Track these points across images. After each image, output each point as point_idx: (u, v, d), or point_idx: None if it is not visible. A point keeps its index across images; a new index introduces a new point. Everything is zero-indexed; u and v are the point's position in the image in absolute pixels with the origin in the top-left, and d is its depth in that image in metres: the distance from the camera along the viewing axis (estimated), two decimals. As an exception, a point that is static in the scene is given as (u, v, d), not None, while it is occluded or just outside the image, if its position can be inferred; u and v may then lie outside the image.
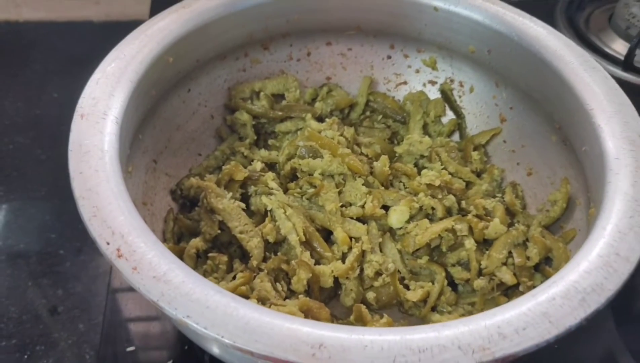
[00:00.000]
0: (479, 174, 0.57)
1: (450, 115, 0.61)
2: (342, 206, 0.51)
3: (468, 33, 0.50)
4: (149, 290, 0.33)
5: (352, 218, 0.51)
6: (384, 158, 0.54)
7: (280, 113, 0.58)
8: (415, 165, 0.57)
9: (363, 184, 0.52)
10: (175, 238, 0.50)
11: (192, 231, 0.50)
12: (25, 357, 0.50)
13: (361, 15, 0.58)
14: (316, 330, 0.32)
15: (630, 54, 0.73)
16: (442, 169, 0.55)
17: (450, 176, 0.54)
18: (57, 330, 0.52)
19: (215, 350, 0.40)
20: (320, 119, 0.59)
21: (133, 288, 0.34)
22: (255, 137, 0.58)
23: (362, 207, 0.51)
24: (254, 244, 0.47)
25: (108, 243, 0.35)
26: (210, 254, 0.48)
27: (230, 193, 0.50)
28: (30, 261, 0.56)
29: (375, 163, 0.54)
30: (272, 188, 0.51)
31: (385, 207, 0.52)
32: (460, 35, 0.49)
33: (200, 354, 0.49)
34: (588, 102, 0.46)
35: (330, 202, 0.50)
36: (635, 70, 0.74)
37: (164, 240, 0.49)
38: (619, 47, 0.77)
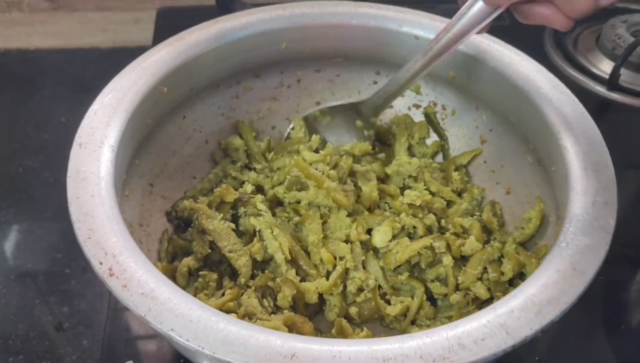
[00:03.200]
0: (460, 193, 0.59)
1: (434, 137, 0.64)
2: (324, 237, 0.53)
3: (448, 60, 0.53)
4: (137, 306, 0.36)
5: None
6: (372, 184, 0.56)
7: (274, 157, 0.60)
8: (402, 184, 0.59)
9: (348, 215, 0.54)
10: (170, 258, 0.53)
11: (185, 251, 0.53)
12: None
13: (347, 43, 0.61)
14: (289, 342, 0.35)
15: (614, 73, 0.76)
16: (425, 189, 0.57)
17: (431, 196, 0.56)
18: (63, 346, 0.54)
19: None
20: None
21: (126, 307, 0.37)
22: (247, 161, 0.61)
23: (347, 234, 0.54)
24: (242, 263, 0.50)
25: (101, 263, 0.38)
26: (201, 272, 0.50)
27: (221, 215, 0.53)
28: (38, 280, 0.59)
29: (364, 188, 0.56)
30: (260, 210, 0.53)
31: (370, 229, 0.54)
32: (441, 61, 0.52)
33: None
34: (556, 125, 0.49)
35: (313, 234, 0.52)
36: (620, 89, 0.76)
37: (159, 259, 0.52)
38: (606, 67, 0.79)
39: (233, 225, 0.53)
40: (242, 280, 0.50)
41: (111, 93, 0.49)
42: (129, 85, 0.50)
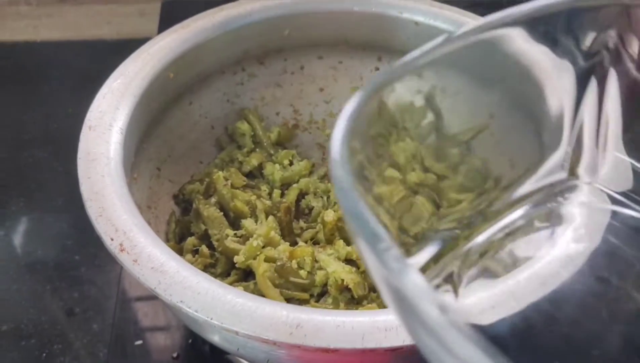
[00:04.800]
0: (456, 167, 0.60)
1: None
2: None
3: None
4: (148, 279, 0.37)
5: None
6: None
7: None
8: None
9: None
10: (177, 239, 0.54)
11: (190, 231, 0.55)
12: (44, 355, 0.54)
13: (349, 30, 0.62)
14: (294, 313, 0.36)
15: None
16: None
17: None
18: (73, 330, 0.56)
19: (213, 338, 0.44)
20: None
21: (137, 281, 0.38)
22: (253, 146, 0.62)
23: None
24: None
25: (112, 239, 0.39)
26: (200, 248, 0.52)
27: (215, 199, 0.54)
28: (48, 266, 0.60)
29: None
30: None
31: None
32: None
33: (202, 346, 0.53)
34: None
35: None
36: None
37: (167, 240, 0.53)
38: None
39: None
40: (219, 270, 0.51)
41: (119, 78, 0.50)
42: (136, 71, 0.51)
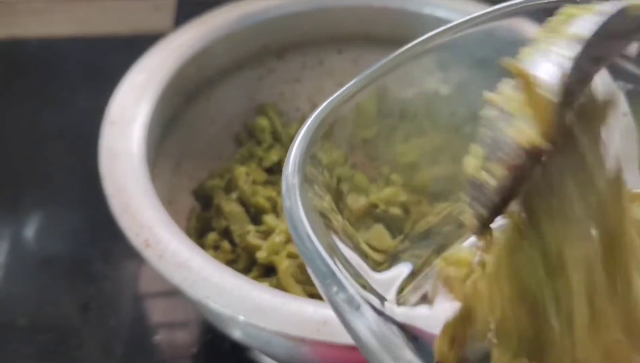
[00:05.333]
0: None
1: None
2: None
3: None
4: (173, 275, 0.37)
5: None
6: None
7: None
8: None
9: None
10: (198, 234, 0.54)
11: (210, 227, 0.54)
12: (62, 349, 0.53)
13: (368, 25, 0.62)
14: (320, 309, 0.36)
15: None
16: None
17: None
18: (90, 325, 0.55)
19: (235, 333, 0.43)
20: None
21: (162, 277, 0.38)
22: (272, 141, 0.62)
23: None
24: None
25: (137, 235, 0.39)
26: (221, 243, 0.52)
27: (236, 195, 0.54)
28: (63, 262, 0.60)
29: None
30: None
31: None
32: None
33: (222, 343, 0.53)
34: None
35: None
36: None
37: (187, 236, 0.53)
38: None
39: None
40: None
41: (140, 73, 0.50)
42: (158, 66, 0.51)
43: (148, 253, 0.38)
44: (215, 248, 0.52)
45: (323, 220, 0.26)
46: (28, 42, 0.86)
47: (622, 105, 0.34)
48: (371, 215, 0.41)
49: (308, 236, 0.23)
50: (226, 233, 0.53)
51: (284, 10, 0.59)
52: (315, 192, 0.27)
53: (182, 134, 0.57)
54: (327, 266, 0.22)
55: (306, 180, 0.26)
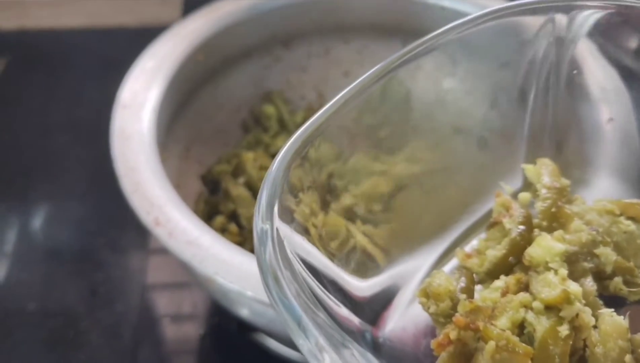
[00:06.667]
0: None
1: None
2: None
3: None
4: (183, 252, 0.38)
5: None
6: None
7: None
8: None
9: None
10: (205, 217, 0.55)
11: (218, 210, 0.56)
12: (71, 333, 0.55)
13: (374, 14, 0.63)
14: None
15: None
16: None
17: None
18: (99, 310, 0.57)
19: (242, 311, 0.44)
20: None
21: (172, 253, 0.39)
22: (278, 129, 0.63)
23: None
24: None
25: (148, 213, 0.40)
26: (229, 225, 0.53)
27: (243, 179, 0.55)
28: (72, 249, 0.61)
29: None
30: None
31: None
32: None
33: (229, 325, 0.54)
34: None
35: None
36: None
37: (196, 218, 0.54)
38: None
39: None
40: None
41: (151, 59, 0.51)
42: (168, 53, 0.52)
43: (158, 231, 0.39)
44: (222, 231, 0.53)
45: (304, 236, 0.27)
46: (38, 33, 0.87)
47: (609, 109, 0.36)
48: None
49: (277, 286, 0.22)
50: (233, 217, 0.54)
51: (291, -1, 0.60)
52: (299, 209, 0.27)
53: (191, 120, 0.58)
54: (295, 316, 0.22)
55: (290, 193, 0.26)
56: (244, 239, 0.52)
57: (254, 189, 0.54)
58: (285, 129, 0.63)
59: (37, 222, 0.64)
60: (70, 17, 0.90)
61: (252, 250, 0.51)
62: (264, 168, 0.57)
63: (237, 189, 0.53)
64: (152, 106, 0.47)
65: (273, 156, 0.59)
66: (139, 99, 0.47)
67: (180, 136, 0.56)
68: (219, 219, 0.53)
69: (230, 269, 0.37)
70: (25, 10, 0.90)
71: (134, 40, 0.78)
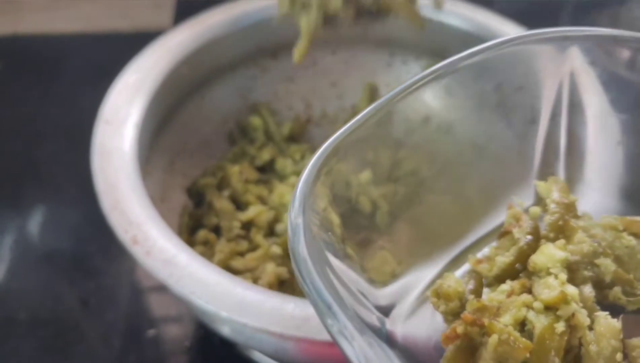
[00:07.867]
0: None
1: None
2: None
3: (459, 40, 0.54)
4: (159, 271, 0.39)
5: None
6: None
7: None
8: None
9: None
10: (189, 231, 0.55)
11: (202, 224, 0.55)
12: (61, 343, 0.55)
13: (362, 26, 0.62)
14: (301, 306, 0.37)
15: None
16: None
17: None
18: (89, 319, 0.57)
19: (223, 329, 0.44)
20: None
21: (151, 276, 0.39)
22: (265, 140, 0.63)
23: None
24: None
25: (126, 232, 0.40)
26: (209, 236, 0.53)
27: (228, 193, 0.55)
28: (64, 257, 0.61)
29: None
30: None
31: None
32: (452, 42, 0.53)
33: (213, 337, 0.54)
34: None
35: None
36: None
37: (179, 233, 0.54)
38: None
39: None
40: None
41: (134, 73, 0.51)
42: (152, 66, 0.52)
43: (136, 250, 0.39)
44: (205, 244, 0.53)
45: (328, 246, 0.29)
46: (31, 38, 0.87)
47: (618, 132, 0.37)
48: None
49: (309, 274, 0.25)
50: (217, 230, 0.54)
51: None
52: (320, 223, 0.29)
53: (176, 133, 0.58)
54: (325, 302, 0.25)
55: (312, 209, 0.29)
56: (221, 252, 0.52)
57: (237, 202, 0.55)
58: (271, 140, 0.63)
59: (29, 229, 0.64)
60: (64, 22, 0.90)
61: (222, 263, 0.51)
62: (249, 181, 0.57)
63: (221, 202, 0.53)
64: (134, 121, 0.47)
65: (258, 168, 0.59)
66: (121, 114, 0.48)
67: (165, 149, 0.56)
68: (202, 233, 0.53)
69: (206, 289, 0.38)
70: (18, 14, 0.90)
71: (128, 45, 0.78)
